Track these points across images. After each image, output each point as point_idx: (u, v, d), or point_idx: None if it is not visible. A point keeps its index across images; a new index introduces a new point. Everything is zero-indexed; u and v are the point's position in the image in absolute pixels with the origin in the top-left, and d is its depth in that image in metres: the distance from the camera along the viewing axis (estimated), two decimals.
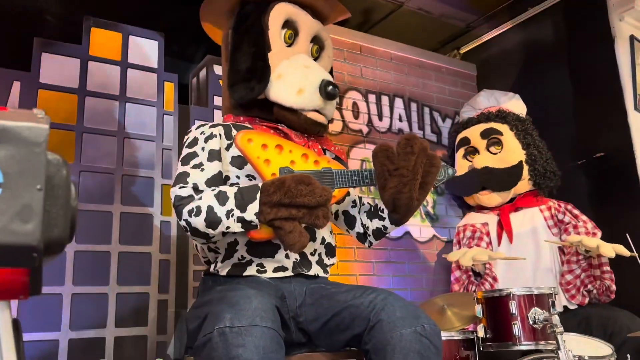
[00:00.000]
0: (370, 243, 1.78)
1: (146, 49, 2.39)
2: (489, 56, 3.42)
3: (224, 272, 1.52)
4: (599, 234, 2.29)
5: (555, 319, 1.62)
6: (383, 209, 1.66)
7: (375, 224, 1.69)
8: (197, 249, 1.64)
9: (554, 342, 1.61)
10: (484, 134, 2.60)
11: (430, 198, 3.01)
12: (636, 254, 2.00)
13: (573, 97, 2.86)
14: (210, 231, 1.37)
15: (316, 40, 1.77)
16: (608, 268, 2.21)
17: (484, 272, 2.28)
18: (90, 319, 2.02)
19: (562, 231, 2.37)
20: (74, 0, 2.43)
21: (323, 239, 1.63)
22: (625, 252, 2.04)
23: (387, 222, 1.66)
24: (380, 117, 2.98)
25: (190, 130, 1.61)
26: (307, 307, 1.49)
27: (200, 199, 1.39)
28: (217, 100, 2.50)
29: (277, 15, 1.66)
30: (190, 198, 1.42)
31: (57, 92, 2.17)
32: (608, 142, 2.68)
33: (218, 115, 2.49)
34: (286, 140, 1.57)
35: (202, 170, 1.50)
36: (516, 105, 2.74)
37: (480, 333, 1.80)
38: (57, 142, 2.11)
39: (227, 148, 1.57)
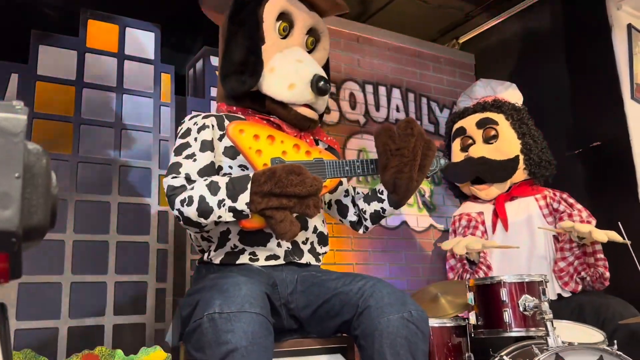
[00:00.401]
0: (366, 228, 1.81)
1: (143, 40, 2.41)
2: (487, 46, 3.42)
3: (217, 261, 1.55)
4: (594, 222, 2.31)
5: (545, 305, 1.64)
6: (382, 191, 1.70)
7: (374, 206, 1.73)
8: (192, 238, 1.67)
9: (544, 328, 1.63)
10: (480, 124, 2.61)
11: (427, 188, 3.02)
12: (628, 242, 2.01)
13: (570, 86, 2.86)
14: (202, 220, 1.39)
15: (312, 32, 1.78)
16: (602, 256, 2.22)
17: (478, 260, 2.30)
18: (89, 307, 2.05)
19: (556, 220, 2.38)
20: None
21: (315, 228, 1.66)
22: (618, 238, 2.05)
23: (385, 204, 1.70)
24: (377, 108, 2.99)
25: (184, 121, 1.64)
26: (298, 295, 1.52)
27: (192, 189, 1.42)
28: (214, 92, 2.52)
29: (272, 8, 1.68)
30: (182, 188, 1.45)
31: (55, 84, 2.19)
32: (604, 132, 2.68)
33: (215, 107, 2.50)
34: (278, 130, 1.59)
35: (195, 160, 1.52)
36: (512, 94, 2.74)
37: (472, 320, 1.82)
38: (54, 133, 2.14)
39: (220, 138, 1.60)
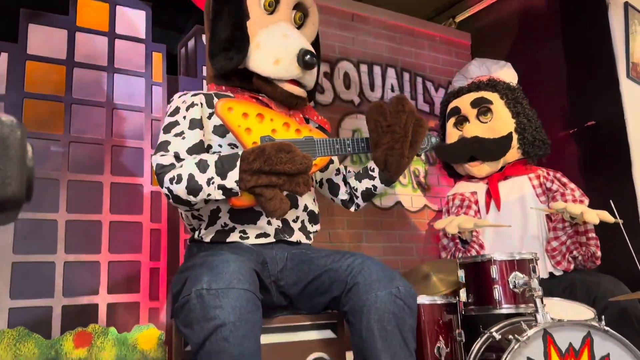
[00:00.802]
0: (358, 206, 1.82)
1: (134, 19, 2.39)
2: (483, 25, 3.38)
3: (207, 239, 1.56)
4: (586, 201, 2.31)
5: (535, 283, 1.65)
6: (374, 169, 1.70)
7: (365, 184, 1.73)
8: (183, 217, 1.67)
9: (534, 305, 1.65)
10: (474, 103, 2.59)
11: (422, 168, 3.02)
12: (620, 221, 2.01)
13: (565, 65, 2.84)
14: (191, 198, 1.39)
15: (299, 7, 1.75)
16: (594, 235, 2.23)
17: (471, 239, 2.30)
18: (83, 286, 2.07)
19: (550, 199, 2.38)
20: None
21: (305, 207, 1.66)
22: (609, 218, 2.05)
23: (377, 182, 1.70)
24: (372, 88, 2.97)
25: (173, 99, 1.63)
26: (288, 272, 1.52)
27: (181, 166, 1.42)
28: (206, 71, 2.50)
29: None
30: (171, 166, 1.44)
31: (45, 63, 2.17)
32: (599, 111, 2.67)
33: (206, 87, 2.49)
34: (267, 108, 1.58)
35: (184, 138, 1.52)
36: (507, 73, 2.72)
37: (463, 297, 1.83)
38: (46, 113, 2.13)
39: (209, 117, 1.59)
